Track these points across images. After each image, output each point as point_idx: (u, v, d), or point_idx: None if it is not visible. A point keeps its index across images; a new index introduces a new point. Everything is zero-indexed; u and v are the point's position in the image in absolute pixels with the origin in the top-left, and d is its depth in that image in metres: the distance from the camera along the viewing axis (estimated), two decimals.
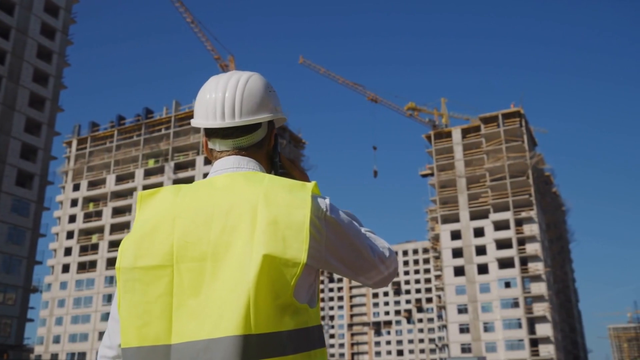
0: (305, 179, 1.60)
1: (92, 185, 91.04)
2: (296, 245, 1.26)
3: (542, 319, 78.02)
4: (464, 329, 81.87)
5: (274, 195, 1.32)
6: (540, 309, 78.27)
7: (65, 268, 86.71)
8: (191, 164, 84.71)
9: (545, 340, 77.04)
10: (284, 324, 1.25)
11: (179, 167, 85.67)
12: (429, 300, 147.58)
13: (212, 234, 1.31)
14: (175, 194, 1.41)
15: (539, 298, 79.07)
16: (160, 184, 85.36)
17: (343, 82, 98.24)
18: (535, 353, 77.01)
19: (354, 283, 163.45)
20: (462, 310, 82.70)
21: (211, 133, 1.54)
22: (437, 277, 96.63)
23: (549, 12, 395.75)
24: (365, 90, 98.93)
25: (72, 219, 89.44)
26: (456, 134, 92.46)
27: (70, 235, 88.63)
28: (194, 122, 1.56)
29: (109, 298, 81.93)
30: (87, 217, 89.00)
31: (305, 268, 1.28)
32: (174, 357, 1.26)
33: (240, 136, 1.51)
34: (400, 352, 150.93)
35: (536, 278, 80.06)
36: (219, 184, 1.41)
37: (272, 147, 1.58)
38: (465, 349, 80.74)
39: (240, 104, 1.49)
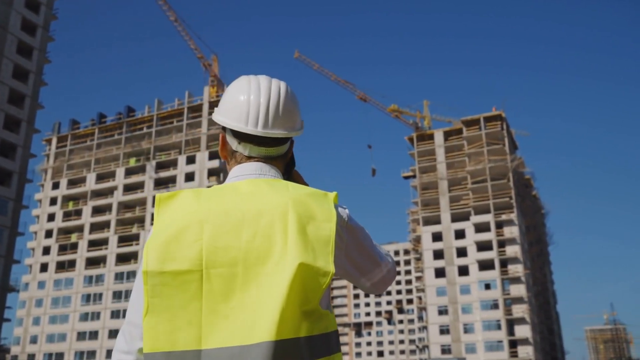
0: (305, 185, 1.65)
1: (72, 183, 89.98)
2: (324, 256, 1.31)
3: (521, 321, 78.80)
4: (444, 330, 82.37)
5: (302, 204, 1.35)
6: (520, 310, 79.05)
7: (44, 267, 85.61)
8: (173, 163, 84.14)
9: (524, 341, 77.83)
10: (312, 329, 1.28)
11: (160, 166, 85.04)
12: (410, 301, 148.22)
13: (242, 240, 1.31)
14: (197, 197, 1.40)
15: (518, 300, 79.86)
16: (141, 183, 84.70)
17: (335, 79, 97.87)
18: (514, 354, 77.75)
19: (335, 284, 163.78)
20: (442, 311, 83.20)
21: (244, 137, 1.53)
22: (418, 278, 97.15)
23: (534, 11, 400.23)
24: (355, 89, 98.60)
25: (51, 217, 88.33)
26: (438, 136, 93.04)
27: (49, 234, 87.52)
28: (227, 123, 1.54)
29: (87, 298, 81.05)
30: (67, 215, 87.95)
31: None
32: None
33: (274, 146, 1.54)
34: (380, 353, 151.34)
35: (516, 280, 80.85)
36: (244, 190, 1.41)
37: (289, 158, 1.62)
38: (446, 350, 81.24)
39: (283, 116, 1.52)
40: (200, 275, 1.29)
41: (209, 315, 1.27)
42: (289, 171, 1.63)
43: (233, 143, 1.56)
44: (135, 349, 1.39)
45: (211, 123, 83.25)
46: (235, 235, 1.32)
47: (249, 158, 1.54)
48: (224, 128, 1.60)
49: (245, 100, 1.52)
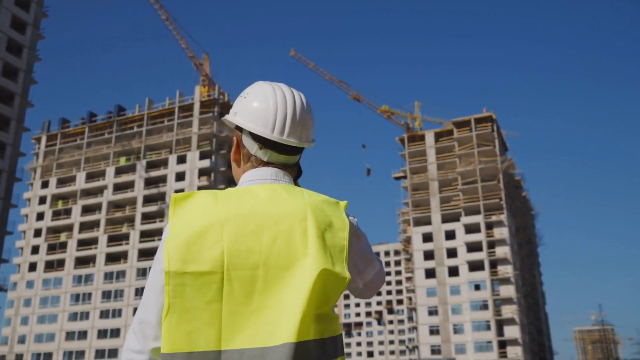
0: None
1: (62, 182, 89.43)
2: (340, 262, 1.37)
3: (511, 321, 79.19)
4: (434, 331, 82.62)
5: (319, 211, 1.41)
6: (509, 311, 79.45)
7: (32, 267, 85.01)
8: (164, 163, 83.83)
9: (513, 342, 78.22)
10: (323, 332, 1.33)
11: (151, 166, 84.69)
12: (400, 302, 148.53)
13: (263, 244, 1.35)
14: (214, 199, 1.42)
15: (508, 300, 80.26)
16: (131, 183, 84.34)
17: (330, 78, 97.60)
18: (503, 355, 78.11)
19: None
20: (432, 312, 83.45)
21: (267, 143, 1.56)
22: (408, 279, 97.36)
23: (529, 10, 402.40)
24: (349, 88, 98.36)
25: (40, 216, 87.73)
26: (429, 137, 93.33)
27: (37, 233, 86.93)
28: (250, 127, 1.56)
29: (77, 298, 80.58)
30: (56, 215, 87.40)
31: None
32: None
33: (293, 154, 1.60)
34: (370, 354, 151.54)
35: (505, 281, 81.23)
36: (262, 194, 1.44)
37: (298, 167, 1.68)
38: (435, 350, 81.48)
39: (305, 126, 1.59)
40: (221, 277, 1.31)
41: (230, 316, 1.30)
42: (295, 179, 1.67)
43: (252, 147, 1.58)
44: (149, 348, 1.39)
45: (202, 122, 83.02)
46: (256, 238, 1.35)
47: (266, 164, 1.57)
48: (240, 130, 1.61)
49: (273, 107, 1.54)
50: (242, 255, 1.33)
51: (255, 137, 1.57)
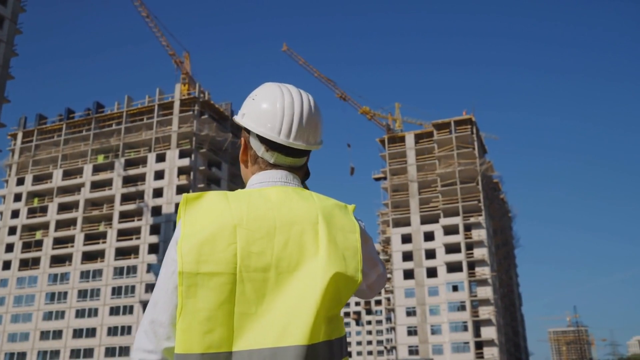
0: None
1: (38, 179, 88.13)
2: (353, 265, 1.39)
3: (488, 322, 79.92)
4: (412, 332, 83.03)
5: (330, 215, 1.44)
6: (486, 312, 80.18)
7: (6, 265, 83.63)
8: (142, 161, 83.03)
9: (490, 343, 78.95)
10: (331, 334, 1.36)
11: (129, 164, 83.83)
12: (378, 302, 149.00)
13: (275, 246, 1.37)
14: (226, 200, 1.43)
15: (485, 302, 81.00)
16: (109, 181, 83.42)
17: (318, 75, 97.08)
18: (479, 355, 78.80)
19: None
20: (410, 312, 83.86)
21: (274, 146, 1.57)
22: (387, 279, 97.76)
23: (523, 10, 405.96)
24: (336, 87, 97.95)
25: (15, 214, 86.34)
26: (409, 139, 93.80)
27: (12, 230, 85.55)
28: (257, 130, 1.57)
29: (52, 296, 79.45)
30: (31, 212, 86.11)
31: None
32: None
33: (300, 157, 1.61)
34: (348, 354, 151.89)
35: (483, 282, 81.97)
36: (274, 197, 1.46)
37: (306, 169, 1.69)
38: (413, 351, 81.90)
39: (312, 128, 1.59)
40: (233, 279, 1.33)
41: (241, 317, 1.32)
42: (303, 181, 1.69)
43: (259, 150, 1.58)
44: (161, 348, 1.40)
45: (182, 121, 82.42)
46: (269, 242, 1.37)
47: (273, 166, 1.58)
48: (247, 132, 1.62)
49: (280, 110, 1.55)
50: (254, 258, 1.35)
51: (262, 140, 1.57)
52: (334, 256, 1.36)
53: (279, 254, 1.36)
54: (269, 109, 1.56)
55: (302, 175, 1.66)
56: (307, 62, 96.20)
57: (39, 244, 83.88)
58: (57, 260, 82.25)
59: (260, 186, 1.54)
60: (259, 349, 1.29)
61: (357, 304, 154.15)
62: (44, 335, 77.89)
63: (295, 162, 1.60)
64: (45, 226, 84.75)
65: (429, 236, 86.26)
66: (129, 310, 74.57)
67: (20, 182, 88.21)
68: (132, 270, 76.61)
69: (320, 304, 1.31)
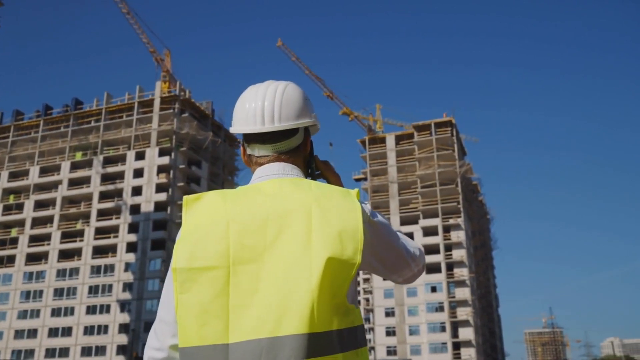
0: (339, 180, 1.75)
1: (14, 176, 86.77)
2: (352, 246, 1.34)
3: (465, 323, 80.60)
4: (390, 332, 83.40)
5: (325, 200, 1.41)
6: (464, 313, 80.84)
7: None
8: (121, 159, 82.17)
9: (467, 343, 79.62)
10: (338, 323, 1.33)
11: (108, 162, 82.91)
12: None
13: (267, 238, 1.37)
14: (223, 198, 1.45)
15: (463, 303, 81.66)
16: (87, 178, 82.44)
17: (309, 73, 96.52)
18: (457, 356, 79.42)
19: None
20: (389, 313, 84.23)
21: (251, 139, 1.62)
22: (366, 280, 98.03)
23: (519, 9, 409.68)
24: (324, 85, 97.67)
25: None
26: (390, 140, 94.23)
27: None
28: (234, 129, 1.63)
29: (27, 295, 78.28)
30: (7, 209, 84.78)
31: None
32: (233, 356, 1.30)
33: (279, 141, 1.60)
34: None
35: (461, 283, 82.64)
36: (269, 190, 1.47)
37: (308, 153, 1.69)
38: (391, 351, 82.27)
39: (279, 110, 1.58)
40: (227, 272, 1.34)
41: (236, 309, 1.32)
42: (311, 163, 1.69)
43: (247, 148, 1.64)
44: (167, 345, 1.45)
45: (162, 119, 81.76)
46: (261, 233, 1.37)
47: (263, 157, 1.61)
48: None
49: (250, 106, 1.61)
50: (247, 250, 1.36)
51: (245, 137, 1.64)
52: (328, 240, 1.33)
53: (271, 244, 1.36)
54: (240, 107, 1.63)
55: (304, 160, 1.67)
56: (299, 59, 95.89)
57: (14, 241, 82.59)
58: (32, 258, 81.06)
59: (258, 181, 1.56)
60: (255, 339, 1.29)
61: None
62: (19, 334, 76.70)
63: (279, 147, 1.61)
64: (21, 223, 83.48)
65: (409, 237, 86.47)
66: (105, 309, 73.75)
67: None
68: (109, 268, 75.77)
69: (318, 292, 1.29)
